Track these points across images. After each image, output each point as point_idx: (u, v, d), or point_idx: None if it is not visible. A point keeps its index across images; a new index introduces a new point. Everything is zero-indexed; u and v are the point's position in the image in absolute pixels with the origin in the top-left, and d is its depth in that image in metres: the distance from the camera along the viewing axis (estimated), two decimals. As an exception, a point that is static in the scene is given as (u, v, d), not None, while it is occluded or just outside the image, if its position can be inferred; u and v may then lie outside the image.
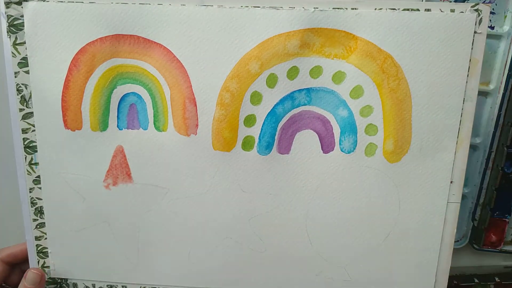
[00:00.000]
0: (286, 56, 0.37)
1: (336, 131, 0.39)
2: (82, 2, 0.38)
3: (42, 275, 0.44)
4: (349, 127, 0.39)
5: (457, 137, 0.39)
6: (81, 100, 0.40)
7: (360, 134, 0.39)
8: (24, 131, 0.41)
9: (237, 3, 0.37)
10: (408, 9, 0.36)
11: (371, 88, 0.38)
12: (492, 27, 0.44)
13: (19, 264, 0.46)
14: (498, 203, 0.47)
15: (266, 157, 0.40)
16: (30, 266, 0.45)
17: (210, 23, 0.37)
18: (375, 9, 0.36)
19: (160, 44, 0.38)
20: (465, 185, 0.47)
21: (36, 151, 0.42)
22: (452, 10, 0.36)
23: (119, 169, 0.41)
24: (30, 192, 0.43)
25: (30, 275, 0.43)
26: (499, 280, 0.51)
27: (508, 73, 0.44)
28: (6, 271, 0.45)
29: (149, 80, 0.39)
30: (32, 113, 0.41)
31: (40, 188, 0.43)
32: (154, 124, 0.40)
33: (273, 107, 0.39)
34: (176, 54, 0.38)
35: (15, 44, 0.39)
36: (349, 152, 0.39)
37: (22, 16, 0.38)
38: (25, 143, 0.41)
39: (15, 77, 0.40)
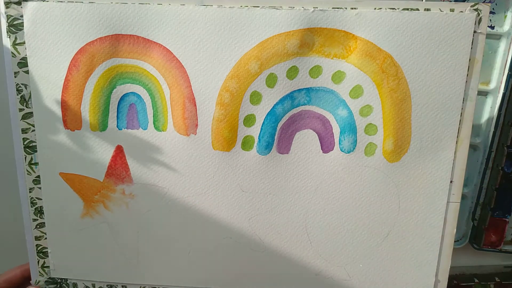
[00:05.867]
0: (286, 55, 0.37)
1: (336, 130, 0.39)
2: (82, 2, 0.38)
3: None
4: (349, 127, 0.39)
5: (457, 137, 0.39)
6: (81, 100, 0.40)
7: (360, 133, 0.39)
8: (24, 131, 0.41)
9: (237, 3, 0.37)
10: (407, 9, 0.36)
11: (370, 88, 0.38)
12: (492, 27, 0.44)
13: None
14: (498, 203, 0.47)
15: (266, 157, 0.40)
16: (30, 266, 0.45)
17: (210, 23, 0.37)
18: (375, 9, 0.36)
19: (159, 44, 0.38)
20: (465, 185, 0.47)
21: (36, 151, 0.42)
22: (452, 10, 0.36)
23: (119, 169, 0.41)
24: (30, 192, 0.43)
25: None
26: (499, 280, 0.51)
27: (508, 73, 0.44)
28: None
29: (148, 80, 0.39)
30: (31, 113, 0.41)
31: (40, 188, 0.43)
32: (154, 124, 0.40)
33: (273, 107, 0.39)
34: (176, 54, 0.38)
35: (14, 44, 0.39)
36: (348, 152, 0.39)
37: (21, 16, 0.38)
38: (25, 143, 0.41)
39: (15, 77, 0.40)
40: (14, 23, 0.39)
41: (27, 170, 0.42)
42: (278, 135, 0.39)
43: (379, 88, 0.38)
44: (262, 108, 0.39)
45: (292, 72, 0.38)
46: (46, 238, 0.44)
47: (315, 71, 0.38)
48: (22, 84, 0.40)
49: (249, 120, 0.39)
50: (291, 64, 0.38)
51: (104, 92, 0.40)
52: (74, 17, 0.38)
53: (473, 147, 0.47)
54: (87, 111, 0.40)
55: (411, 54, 0.37)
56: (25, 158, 0.42)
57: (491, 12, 0.43)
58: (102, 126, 0.41)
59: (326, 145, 0.40)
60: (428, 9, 0.36)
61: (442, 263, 0.42)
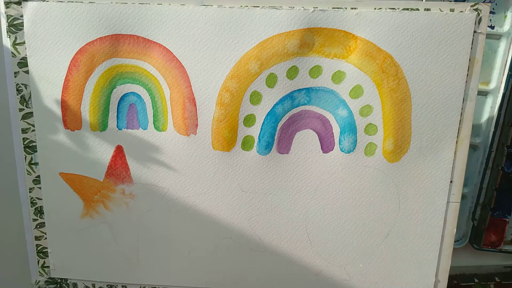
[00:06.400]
0: (286, 55, 0.37)
1: (336, 130, 0.39)
2: (82, 2, 0.38)
3: None
4: (349, 127, 0.39)
5: (457, 137, 0.39)
6: (81, 100, 0.40)
7: (360, 133, 0.39)
8: (24, 131, 0.41)
9: (237, 3, 0.37)
10: (407, 9, 0.36)
11: (370, 88, 0.38)
12: (492, 27, 0.44)
13: None
14: (498, 203, 0.47)
15: (266, 157, 0.40)
16: (30, 266, 0.45)
17: (210, 23, 0.37)
18: (375, 8, 0.36)
19: (159, 44, 0.38)
20: (465, 185, 0.47)
21: (36, 151, 0.42)
22: (452, 10, 0.36)
23: (119, 169, 0.41)
24: (30, 192, 0.43)
25: None
26: (499, 280, 0.51)
27: (508, 73, 0.44)
28: None
29: (148, 80, 0.39)
30: (31, 113, 0.41)
31: (40, 188, 0.43)
32: (154, 124, 0.40)
33: (273, 107, 0.39)
34: (176, 54, 0.38)
35: (14, 44, 0.39)
36: (348, 152, 0.39)
37: (21, 16, 0.38)
38: (25, 143, 0.41)
39: (15, 77, 0.40)
40: (14, 23, 0.39)
41: (27, 170, 0.42)
42: (278, 135, 0.39)
43: (379, 88, 0.38)
44: (262, 108, 0.39)
45: (292, 72, 0.38)
46: (46, 238, 0.44)
47: (315, 71, 0.38)
48: (22, 84, 0.40)
49: (249, 120, 0.39)
50: (291, 64, 0.38)
51: (104, 92, 0.40)
52: (74, 17, 0.38)
53: (473, 147, 0.47)
54: (87, 111, 0.40)
55: (411, 54, 0.37)
56: (25, 158, 0.42)
57: (491, 12, 0.43)
58: (102, 126, 0.41)
59: (326, 145, 0.40)
60: (428, 9, 0.36)
61: (442, 263, 0.42)
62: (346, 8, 0.36)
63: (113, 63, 0.39)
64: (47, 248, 0.44)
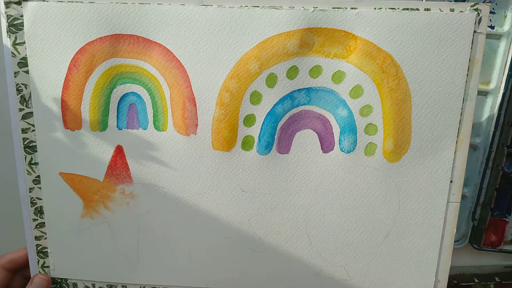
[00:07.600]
0: (286, 55, 0.37)
1: (336, 130, 0.39)
2: (82, 2, 0.38)
3: (49, 281, 0.44)
4: (349, 127, 0.39)
5: (457, 137, 0.39)
6: (81, 100, 0.40)
7: (360, 133, 0.39)
8: (24, 131, 0.41)
9: (237, 2, 0.37)
10: (407, 9, 0.36)
11: (370, 88, 0.38)
12: (492, 27, 0.44)
13: (20, 270, 0.46)
14: (498, 203, 0.47)
15: (266, 156, 0.40)
16: (30, 266, 0.45)
17: (210, 23, 0.37)
18: (375, 8, 0.36)
19: (159, 44, 0.38)
20: (465, 184, 0.47)
21: (36, 151, 0.42)
22: (452, 10, 0.36)
23: (119, 169, 0.41)
24: (30, 192, 0.43)
25: (36, 280, 0.43)
26: (499, 280, 0.51)
27: (508, 73, 0.44)
28: (7, 278, 0.44)
29: (148, 80, 0.39)
30: (31, 113, 0.41)
31: (40, 188, 0.43)
32: (154, 124, 0.40)
33: (273, 107, 0.39)
34: (176, 54, 0.38)
35: (15, 44, 0.39)
36: (348, 152, 0.39)
37: (21, 16, 0.38)
38: (25, 143, 0.41)
39: (15, 77, 0.40)
40: (14, 23, 0.39)
41: (27, 170, 0.42)
42: (278, 135, 0.39)
43: (379, 88, 0.38)
44: (262, 108, 0.39)
45: (292, 72, 0.38)
46: (46, 238, 0.44)
47: (315, 71, 0.38)
48: (22, 84, 0.40)
49: (249, 120, 0.39)
50: (291, 64, 0.38)
51: (104, 92, 0.40)
52: (74, 17, 0.38)
53: (473, 147, 0.47)
54: (87, 111, 0.40)
55: (411, 54, 0.37)
56: (25, 158, 0.42)
57: (491, 12, 0.43)
58: (102, 126, 0.41)
59: (326, 145, 0.40)
60: (428, 9, 0.36)
61: (442, 263, 0.42)
62: (346, 8, 0.36)
63: (113, 63, 0.39)
64: (47, 248, 0.44)
